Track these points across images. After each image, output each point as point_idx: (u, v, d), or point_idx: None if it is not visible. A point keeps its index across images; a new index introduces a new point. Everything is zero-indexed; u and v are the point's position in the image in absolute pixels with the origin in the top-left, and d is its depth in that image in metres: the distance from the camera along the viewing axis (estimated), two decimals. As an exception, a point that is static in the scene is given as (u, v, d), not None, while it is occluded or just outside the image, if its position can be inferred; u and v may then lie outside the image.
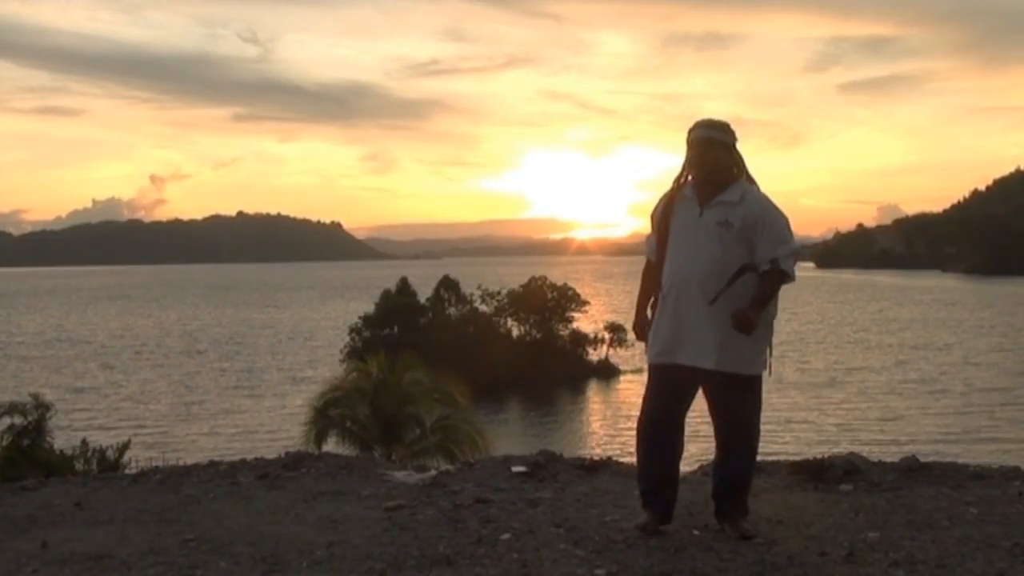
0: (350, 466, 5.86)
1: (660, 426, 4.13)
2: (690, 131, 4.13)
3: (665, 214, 4.16)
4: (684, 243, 4.05)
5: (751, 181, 4.14)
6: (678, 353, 4.04)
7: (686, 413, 4.18)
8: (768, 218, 4.03)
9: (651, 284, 4.25)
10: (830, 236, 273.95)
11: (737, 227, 3.98)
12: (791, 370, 53.96)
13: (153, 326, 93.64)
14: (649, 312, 4.25)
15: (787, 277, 4.05)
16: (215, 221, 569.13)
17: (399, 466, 6.21)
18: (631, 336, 4.39)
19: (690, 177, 4.16)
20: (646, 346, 4.23)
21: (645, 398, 4.20)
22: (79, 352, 70.43)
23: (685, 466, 5.61)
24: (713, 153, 4.06)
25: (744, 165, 4.15)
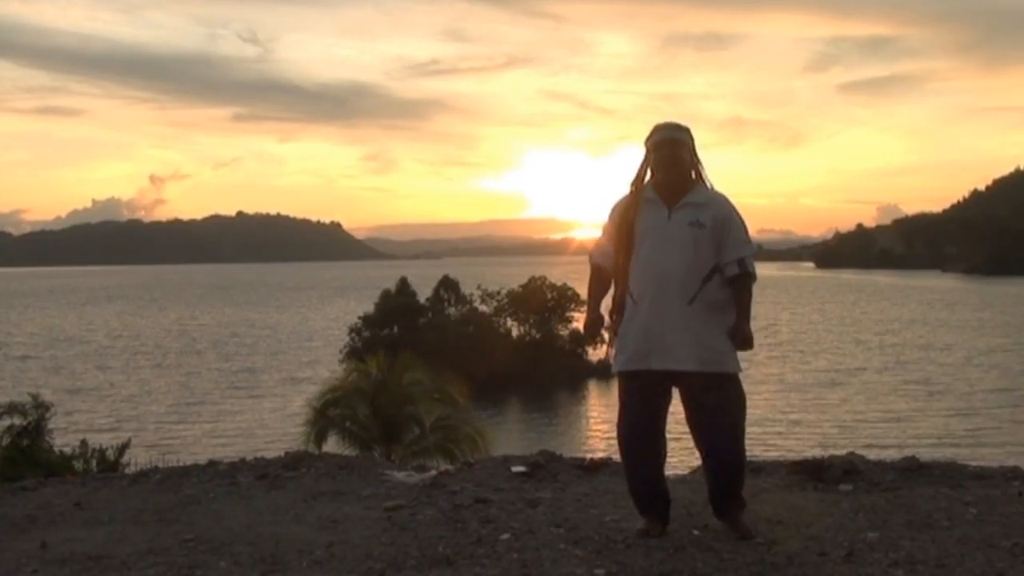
0: (350, 466, 5.86)
1: (640, 434, 4.10)
2: (653, 133, 4.12)
3: (627, 219, 4.10)
4: (656, 246, 4.02)
5: (707, 183, 4.17)
6: (651, 358, 4.00)
7: (665, 418, 4.14)
8: (733, 219, 4.08)
9: (602, 289, 4.23)
10: (830, 236, 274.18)
11: (709, 228, 4.01)
12: (792, 370, 53.94)
13: (152, 326, 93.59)
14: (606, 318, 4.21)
15: (753, 278, 4.11)
16: (215, 221, 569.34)
17: (399, 466, 6.21)
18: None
19: (648, 180, 4.15)
20: (608, 351, 4.18)
21: (621, 409, 4.14)
22: (78, 352, 70.36)
23: (684, 466, 5.62)
24: (681, 154, 4.08)
25: (702, 167, 4.17)
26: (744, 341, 4.00)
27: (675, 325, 3.95)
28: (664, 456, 4.18)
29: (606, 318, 4.21)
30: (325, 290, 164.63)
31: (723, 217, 4.04)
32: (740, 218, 4.11)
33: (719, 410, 4.00)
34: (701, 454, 4.13)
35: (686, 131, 4.11)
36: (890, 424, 39.36)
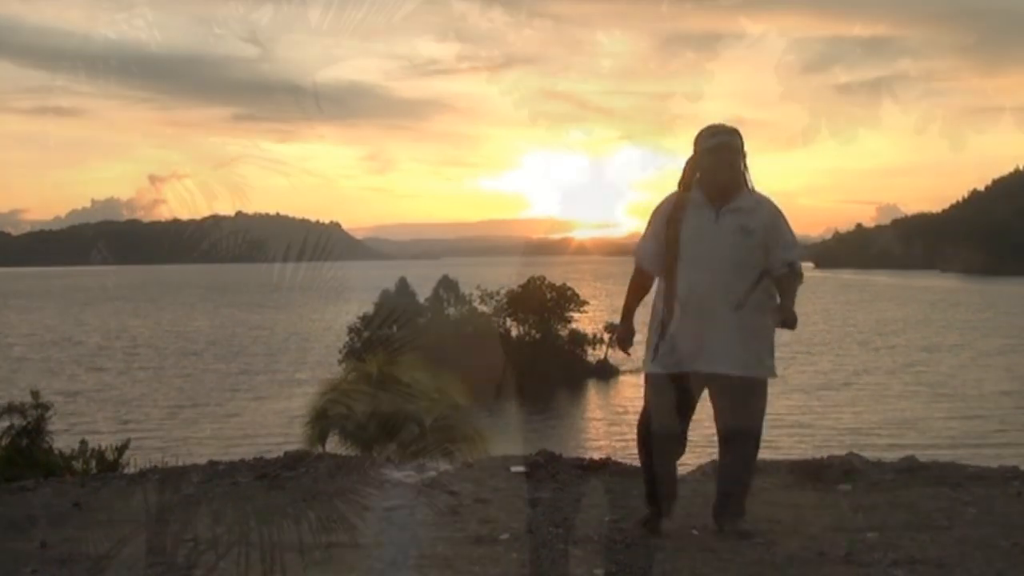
0: (349, 466, 5.85)
1: (667, 434, 4.10)
2: (709, 136, 4.08)
3: (674, 220, 4.07)
4: (702, 249, 4.01)
5: (751, 186, 4.16)
6: (697, 361, 3.99)
7: (691, 419, 4.15)
8: (781, 223, 4.11)
9: (640, 296, 4.22)
10: (829, 236, 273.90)
11: (760, 234, 4.01)
12: (795, 372, 53.77)
13: (151, 327, 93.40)
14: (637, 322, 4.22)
15: (801, 278, 4.14)
16: (214, 221, 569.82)
17: (399, 466, 6.20)
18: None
19: (695, 180, 4.12)
20: (650, 355, 4.11)
21: (648, 410, 4.12)
22: (77, 353, 70.22)
23: (685, 467, 5.61)
24: (736, 158, 4.08)
25: (748, 172, 4.16)
26: (790, 320, 4.01)
27: (721, 329, 3.96)
28: (681, 455, 4.19)
29: (635, 331, 4.22)
30: (324, 290, 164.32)
31: (772, 222, 4.07)
32: (786, 220, 4.14)
33: (750, 413, 4.05)
34: (722, 454, 4.15)
35: (738, 134, 4.11)
36: (891, 426, 39.27)
